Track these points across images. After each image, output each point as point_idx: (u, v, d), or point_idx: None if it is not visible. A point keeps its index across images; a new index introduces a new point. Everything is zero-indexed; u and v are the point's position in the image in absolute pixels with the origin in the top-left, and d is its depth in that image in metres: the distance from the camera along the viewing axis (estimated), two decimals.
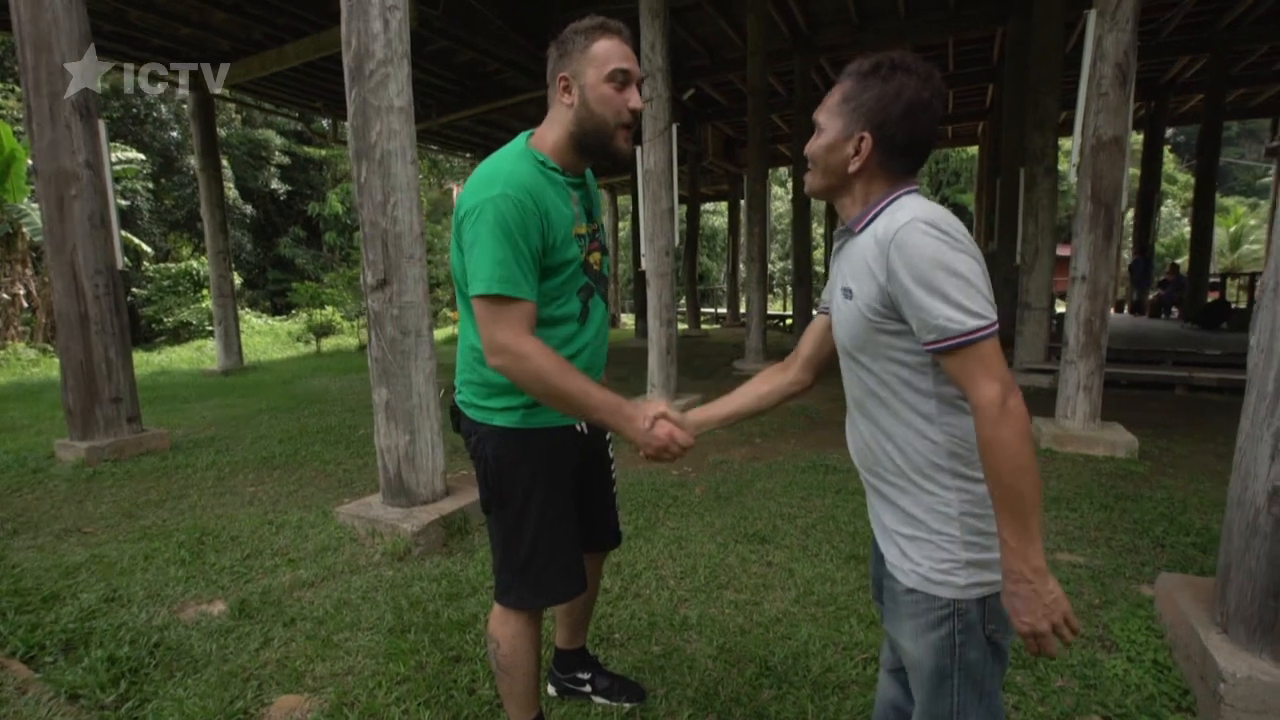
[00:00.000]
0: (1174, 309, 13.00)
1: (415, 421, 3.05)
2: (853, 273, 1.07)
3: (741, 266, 19.60)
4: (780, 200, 25.90)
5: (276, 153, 20.23)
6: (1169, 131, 15.12)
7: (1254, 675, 1.67)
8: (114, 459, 4.38)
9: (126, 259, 7.52)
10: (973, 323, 0.93)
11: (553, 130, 1.33)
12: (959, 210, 28.23)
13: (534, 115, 11.08)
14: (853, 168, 1.06)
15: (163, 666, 2.05)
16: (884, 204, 1.05)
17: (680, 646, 2.14)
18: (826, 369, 1.34)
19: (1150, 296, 13.89)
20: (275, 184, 20.22)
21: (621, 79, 1.28)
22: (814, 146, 1.10)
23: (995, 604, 1.05)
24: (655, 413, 1.27)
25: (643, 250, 5.71)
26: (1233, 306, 10.92)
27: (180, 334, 14.35)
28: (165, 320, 14.38)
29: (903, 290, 0.96)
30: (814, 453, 4.54)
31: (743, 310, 18.15)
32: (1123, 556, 2.77)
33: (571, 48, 1.28)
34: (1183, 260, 14.98)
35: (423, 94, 9.83)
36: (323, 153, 21.24)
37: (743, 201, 19.20)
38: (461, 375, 1.44)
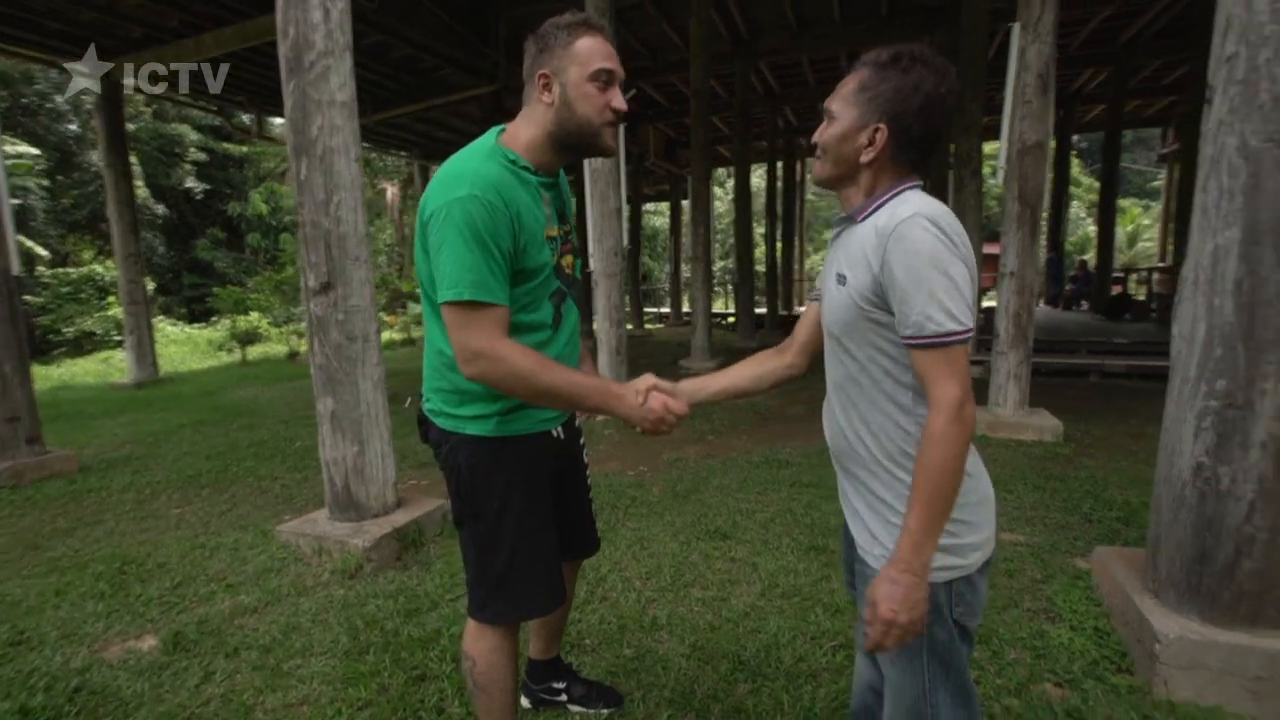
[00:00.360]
0: (1083, 302, 13.99)
1: (364, 431, 2.91)
2: (849, 260, 1.08)
3: (684, 266, 19.81)
4: (720, 201, 26.33)
5: (192, 149, 19.01)
6: (1073, 138, 16.22)
7: (1185, 635, 1.80)
8: (12, 485, 3.99)
9: (21, 264, 6.80)
10: (951, 325, 0.95)
11: (528, 128, 1.28)
12: None
13: (475, 114, 10.83)
14: (865, 158, 1.06)
15: (86, 713, 1.86)
16: (889, 196, 1.05)
17: (652, 647, 2.13)
18: (820, 355, 1.35)
19: (1066, 290, 14.89)
20: (191, 182, 18.99)
21: (605, 79, 1.24)
22: (826, 135, 1.09)
23: (961, 587, 1.08)
24: (646, 386, 1.26)
25: (590, 250, 5.67)
26: (1134, 299, 11.86)
27: (83, 345, 13.21)
28: (64, 330, 13.22)
29: (893, 281, 0.98)
30: (766, 448, 4.61)
31: (685, 309, 18.34)
32: (1057, 533, 2.94)
33: (553, 43, 1.23)
34: (1089, 257, 16.13)
35: (357, 90, 9.44)
36: (244, 149, 20.13)
37: (684, 202, 19.44)
38: (430, 383, 1.37)
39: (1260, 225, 1.72)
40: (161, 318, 15.87)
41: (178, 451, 4.93)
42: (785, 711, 1.78)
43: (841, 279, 1.08)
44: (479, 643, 1.39)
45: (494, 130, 1.31)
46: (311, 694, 1.92)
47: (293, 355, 11.47)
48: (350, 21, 2.91)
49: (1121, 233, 23.22)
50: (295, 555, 2.86)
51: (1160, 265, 13.26)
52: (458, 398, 1.32)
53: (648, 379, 1.28)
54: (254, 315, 12.62)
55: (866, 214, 1.07)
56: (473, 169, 1.18)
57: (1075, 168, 23.63)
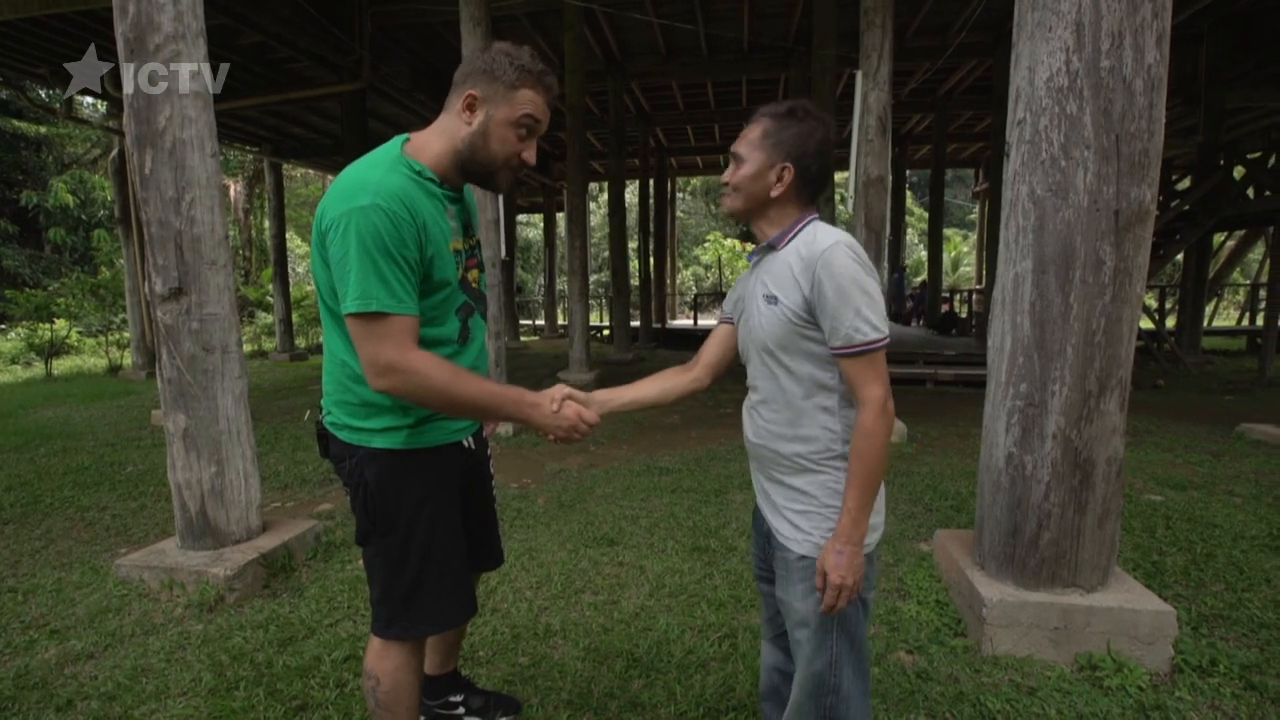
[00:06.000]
0: (920, 318, 15.81)
1: (224, 450, 2.65)
2: (776, 282, 1.22)
3: (559, 278, 19.80)
4: (593, 214, 26.66)
5: None
6: (907, 173, 18.37)
7: (1004, 598, 2.14)
8: None
9: None
10: (873, 335, 1.13)
11: (439, 140, 1.27)
12: None
13: (334, 112, 10.16)
14: (775, 193, 1.22)
15: None
16: (801, 226, 1.23)
17: (547, 654, 2.15)
18: (725, 372, 1.47)
19: (907, 306, 16.73)
20: None
21: (528, 128, 1.26)
22: (738, 175, 1.23)
23: (865, 567, 1.23)
24: (561, 395, 1.29)
25: None
26: (959, 316, 13.63)
27: None
28: None
29: (823, 300, 1.13)
30: (646, 457, 4.77)
31: (561, 322, 18.32)
32: (905, 522, 3.34)
33: (498, 73, 1.21)
34: (923, 278, 18.27)
35: None
36: (41, 130, 17.31)
37: (559, 215, 19.46)
38: (332, 395, 1.32)
39: (1046, 258, 2.11)
40: None
41: None
42: (678, 700, 1.89)
43: (772, 299, 1.22)
44: (384, 661, 1.34)
45: (398, 140, 1.28)
46: None
47: (114, 369, 10.03)
48: (203, 3, 2.69)
49: (946, 258, 26.57)
50: (139, 591, 2.53)
51: (979, 288, 15.34)
52: (364, 410, 1.29)
53: (561, 389, 1.32)
54: (61, 323, 10.85)
55: (786, 241, 1.23)
56: (376, 179, 1.16)
57: (909, 199, 26.76)
